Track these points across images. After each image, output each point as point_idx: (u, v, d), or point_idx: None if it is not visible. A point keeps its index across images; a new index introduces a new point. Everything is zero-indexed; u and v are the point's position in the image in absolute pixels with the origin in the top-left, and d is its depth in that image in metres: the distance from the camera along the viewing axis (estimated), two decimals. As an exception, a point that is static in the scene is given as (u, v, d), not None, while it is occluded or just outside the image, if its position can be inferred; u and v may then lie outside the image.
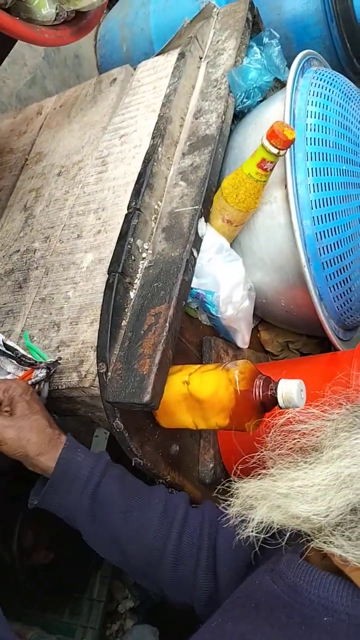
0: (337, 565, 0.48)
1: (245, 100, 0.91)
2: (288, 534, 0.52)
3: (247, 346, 0.91)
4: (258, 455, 0.61)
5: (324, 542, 0.48)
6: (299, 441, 0.56)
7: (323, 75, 0.85)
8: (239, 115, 0.96)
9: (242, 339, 0.89)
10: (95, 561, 1.30)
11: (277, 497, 0.52)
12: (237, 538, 0.60)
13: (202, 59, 0.96)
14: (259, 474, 0.58)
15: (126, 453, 0.73)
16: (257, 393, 0.68)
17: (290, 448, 0.56)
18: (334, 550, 0.46)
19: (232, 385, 0.68)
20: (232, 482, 0.64)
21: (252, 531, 0.53)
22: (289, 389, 0.66)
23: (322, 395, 0.79)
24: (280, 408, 0.68)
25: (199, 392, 0.70)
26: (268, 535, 0.53)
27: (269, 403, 0.68)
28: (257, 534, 0.53)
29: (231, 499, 0.60)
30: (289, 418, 0.59)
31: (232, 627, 0.52)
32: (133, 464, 0.73)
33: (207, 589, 0.70)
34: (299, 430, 0.57)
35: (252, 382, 0.69)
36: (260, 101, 0.94)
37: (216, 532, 0.71)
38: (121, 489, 0.71)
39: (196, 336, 0.87)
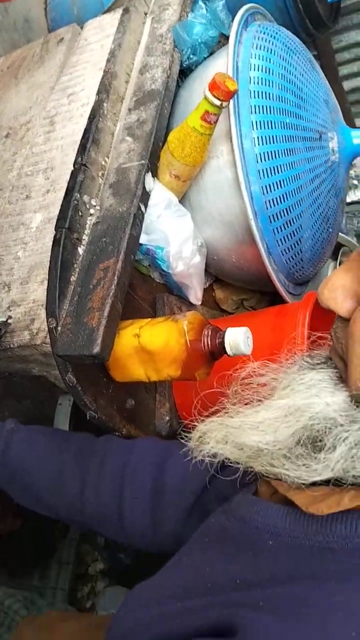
0: (282, 493, 0.50)
1: (192, 56, 0.91)
2: (241, 472, 0.54)
3: (200, 302, 0.92)
4: (217, 406, 0.63)
5: (270, 467, 0.50)
6: (257, 392, 0.58)
7: (266, 29, 0.85)
8: (186, 72, 0.96)
9: (195, 295, 0.90)
10: (63, 525, 1.32)
11: (230, 429, 0.54)
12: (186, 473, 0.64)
13: (147, 15, 0.95)
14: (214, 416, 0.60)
15: (80, 407, 0.74)
16: (205, 342, 0.70)
17: (249, 397, 0.59)
18: (278, 470, 0.49)
19: (182, 336, 0.69)
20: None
21: (205, 456, 0.55)
22: (236, 337, 0.68)
23: (275, 348, 0.82)
24: (228, 356, 0.70)
25: (150, 345, 0.71)
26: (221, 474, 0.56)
27: (217, 352, 0.70)
28: (210, 459, 0.55)
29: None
30: (249, 372, 0.61)
31: (186, 559, 0.54)
32: (88, 418, 0.74)
33: (139, 528, 0.72)
34: (258, 382, 0.59)
35: (200, 332, 0.70)
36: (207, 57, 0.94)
37: (159, 472, 0.72)
38: (29, 450, 0.73)
39: (149, 294, 0.88)
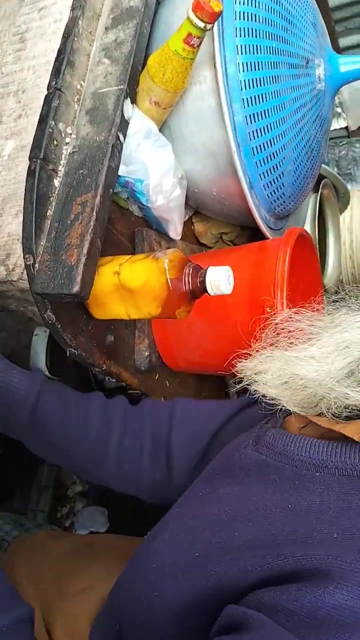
0: (322, 429, 0.53)
1: (172, -33, 0.84)
2: (278, 407, 0.56)
3: (179, 237, 0.91)
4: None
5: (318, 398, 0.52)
6: (294, 337, 0.60)
7: None
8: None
9: (175, 229, 0.88)
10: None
11: (288, 357, 0.56)
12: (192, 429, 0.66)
13: None
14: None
15: (60, 344, 0.74)
16: (186, 281, 0.69)
17: (289, 339, 0.60)
18: (332, 397, 0.51)
19: (163, 274, 0.68)
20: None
21: (264, 383, 0.57)
22: (217, 276, 0.68)
23: (254, 284, 0.82)
24: (209, 295, 0.70)
25: (130, 282, 0.70)
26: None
27: (198, 290, 0.69)
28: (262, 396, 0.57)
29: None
30: (284, 318, 0.62)
31: (226, 490, 0.57)
32: (68, 354, 0.74)
33: (154, 482, 0.76)
34: (297, 327, 0.60)
35: (181, 270, 0.69)
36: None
37: (169, 427, 0.75)
38: (58, 402, 0.74)
39: (128, 228, 0.86)
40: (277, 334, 0.61)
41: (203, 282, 0.69)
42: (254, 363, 0.60)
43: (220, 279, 0.68)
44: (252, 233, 1.06)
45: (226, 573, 0.46)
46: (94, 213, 0.67)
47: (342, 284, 1.33)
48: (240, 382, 0.61)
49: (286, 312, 0.62)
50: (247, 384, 0.60)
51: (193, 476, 0.67)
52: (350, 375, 0.51)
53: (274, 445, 0.56)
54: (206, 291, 0.69)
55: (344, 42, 2.05)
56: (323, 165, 1.18)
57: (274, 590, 0.41)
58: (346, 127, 1.35)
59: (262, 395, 0.57)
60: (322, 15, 2.01)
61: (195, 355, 0.87)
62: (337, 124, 1.32)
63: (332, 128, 1.34)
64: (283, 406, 0.56)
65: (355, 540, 0.42)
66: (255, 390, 0.58)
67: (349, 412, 0.51)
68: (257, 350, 0.62)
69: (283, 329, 0.61)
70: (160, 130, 0.82)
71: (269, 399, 0.57)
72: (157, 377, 0.92)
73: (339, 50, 2.07)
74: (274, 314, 0.63)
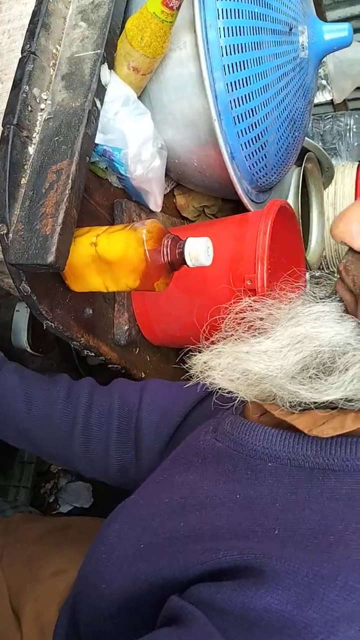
0: (278, 418, 0.52)
1: None
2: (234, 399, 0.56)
3: (159, 209, 0.89)
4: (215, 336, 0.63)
5: (271, 392, 0.51)
6: (253, 326, 0.59)
7: None
8: None
9: (155, 201, 0.87)
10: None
11: (237, 353, 0.55)
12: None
13: None
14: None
15: (36, 317, 0.72)
16: (165, 252, 0.68)
17: (247, 330, 0.59)
18: (283, 394, 0.50)
19: (141, 245, 0.67)
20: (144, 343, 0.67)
21: (214, 379, 0.56)
22: (196, 248, 0.67)
23: (236, 257, 0.80)
24: (188, 266, 0.68)
25: (108, 254, 0.69)
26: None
27: (177, 262, 0.68)
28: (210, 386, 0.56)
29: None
30: (245, 307, 0.61)
31: (180, 478, 0.56)
32: (45, 327, 0.73)
33: (121, 464, 0.75)
34: (256, 317, 0.59)
35: (160, 241, 0.68)
36: None
37: (138, 407, 0.75)
38: (19, 381, 0.73)
39: (107, 199, 0.84)
40: (237, 323, 0.60)
41: (182, 253, 0.67)
42: (206, 357, 0.59)
43: (199, 250, 0.67)
44: (235, 206, 1.05)
45: (169, 567, 0.46)
46: (70, 181, 0.65)
47: (325, 259, 1.32)
48: (193, 377, 0.61)
49: (246, 301, 0.61)
50: (201, 378, 0.59)
51: (158, 462, 0.67)
52: (304, 370, 0.51)
53: (231, 433, 0.56)
54: (185, 263, 0.68)
55: (331, 15, 2.01)
56: (307, 138, 1.16)
57: (211, 586, 0.41)
58: (331, 101, 1.33)
59: (218, 388, 0.57)
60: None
61: (175, 329, 0.86)
62: (322, 97, 1.30)
63: (317, 101, 1.32)
64: (241, 397, 0.55)
65: (295, 537, 0.41)
66: (211, 384, 0.57)
67: (304, 405, 0.51)
68: (209, 344, 0.61)
69: (243, 318, 0.60)
70: (139, 98, 0.80)
71: (225, 391, 0.57)
72: (137, 351, 0.91)
73: (325, 19, 2.03)
74: (236, 303, 0.62)
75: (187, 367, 0.63)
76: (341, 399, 0.48)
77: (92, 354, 0.82)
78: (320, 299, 0.55)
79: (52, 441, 0.75)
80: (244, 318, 0.61)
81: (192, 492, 0.52)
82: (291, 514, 0.44)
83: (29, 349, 1.00)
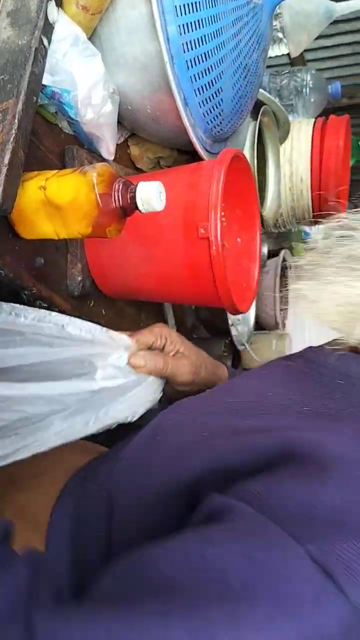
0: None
1: None
2: None
3: (112, 157, 0.87)
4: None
5: None
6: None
7: None
8: None
9: (107, 148, 0.85)
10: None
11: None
12: None
13: None
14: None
15: (-15, 263, 0.71)
16: (116, 197, 0.67)
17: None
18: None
19: (92, 190, 0.66)
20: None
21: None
22: (148, 192, 0.66)
23: (189, 204, 0.80)
24: (140, 212, 0.68)
25: (57, 198, 0.67)
26: None
27: (129, 207, 0.67)
28: None
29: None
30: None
31: (240, 380, 0.58)
32: (-5, 276, 0.71)
33: None
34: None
35: (111, 185, 0.67)
36: None
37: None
38: None
39: (57, 145, 0.81)
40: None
41: (134, 197, 0.67)
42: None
43: (151, 195, 0.66)
44: (190, 158, 1.04)
45: (234, 455, 0.46)
46: (16, 121, 0.63)
47: (281, 216, 1.33)
48: None
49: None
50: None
51: None
52: None
53: (304, 355, 0.60)
54: (137, 207, 0.67)
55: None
56: (264, 92, 1.15)
57: (267, 478, 0.41)
58: (288, 56, 1.32)
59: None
60: None
61: (130, 280, 0.85)
62: (278, 50, 1.28)
63: (273, 54, 1.30)
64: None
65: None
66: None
67: None
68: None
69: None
70: (89, 39, 0.78)
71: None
72: (91, 304, 0.91)
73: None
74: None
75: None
76: None
77: (45, 305, 0.81)
78: None
79: None
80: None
81: (257, 397, 0.54)
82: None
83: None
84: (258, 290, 1.65)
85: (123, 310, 1.01)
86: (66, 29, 0.72)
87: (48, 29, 0.69)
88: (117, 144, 0.95)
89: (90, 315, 0.90)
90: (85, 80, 0.73)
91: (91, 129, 0.79)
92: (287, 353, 1.53)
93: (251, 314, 1.51)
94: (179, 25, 0.74)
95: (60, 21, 0.71)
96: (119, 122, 0.92)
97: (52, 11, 0.70)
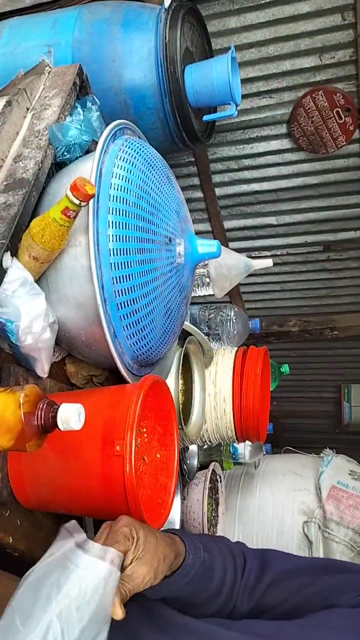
0: None
1: (65, 154, 1.01)
2: None
3: (46, 375, 0.97)
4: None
5: None
6: None
7: (132, 144, 0.98)
8: (62, 165, 1.06)
9: (42, 368, 0.95)
10: None
11: None
12: None
13: (29, 110, 1.05)
14: None
15: None
16: (39, 415, 0.74)
17: None
18: None
19: (18, 408, 0.73)
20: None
21: None
22: (68, 413, 0.74)
23: (109, 423, 0.87)
24: (60, 430, 0.75)
25: (-14, 413, 0.74)
26: None
27: (49, 425, 0.74)
28: None
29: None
30: None
31: None
32: None
33: None
34: None
35: (36, 405, 0.75)
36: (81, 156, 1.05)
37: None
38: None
39: (-3, 362, 0.91)
40: None
41: (55, 417, 0.74)
42: None
43: (70, 415, 0.74)
44: (120, 377, 1.15)
45: None
46: None
47: (207, 432, 1.42)
48: None
49: None
50: None
51: None
52: None
53: None
54: (57, 426, 0.74)
55: (227, 224, 2.41)
56: (190, 325, 1.33)
57: None
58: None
59: None
60: (209, 202, 2.34)
61: (47, 492, 0.89)
62: (207, 292, 1.52)
63: (203, 294, 1.53)
64: None
65: None
66: None
67: None
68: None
69: None
70: (38, 280, 0.93)
71: None
72: (7, 513, 0.92)
73: (223, 230, 2.42)
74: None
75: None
76: None
77: None
78: None
79: None
80: None
81: None
82: None
83: None
84: (185, 501, 1.67)
85: (41, 521, 1.01)
86: (18, 272, 0.87)
87: (1, 272, 0.84)
88: (54, 362, 1.06)
89: (4, 526, 0.90)
90: (28, 313, 0.86)
91: (29, 351, 0.90)
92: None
93: (176, 521, 1.51)
94: (112, 277, 0.90)
95: (14, 267, 0.87)
96: (57, 344, 1.05)
97: (7, 260, 0.86)
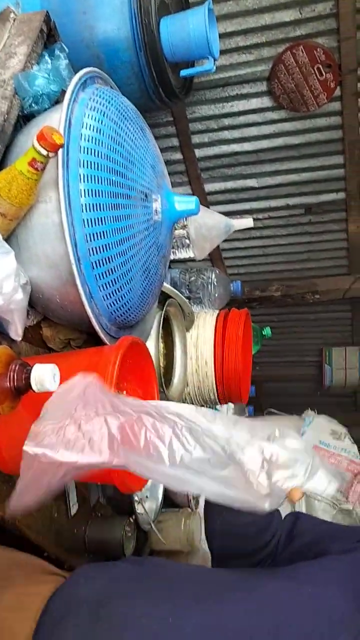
0: None
1: (33, 105, 0.96)
2: None
3: (20, 338, 0.94)
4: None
5: None
6: None
7: (103, 93, 0.93)
8: (30, 118, 1.00)
9: (15, 330, 0.91)
10: None
11: None
12: None
13: (-7, 59, 0.99)
14: None
15: None
16: (11, 377, 0.72)
17: None
18: None
19: (-11, 370, 0.71)
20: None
21: None
22: (42, 373, 0.71)
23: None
24: (34, 391, 0.72)
25: None
26: None
27: (23, 386, 0.72)
28: None
29: None
30: None
31: None
32: None
33: None
34: None
35: (7, 366, 0.72)
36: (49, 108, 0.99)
37: None
38: None
39: (-33, 326, 0.88)
40: None
41: (28, 378, 0.71)
42: None
43: (45, 376, 0.71)
44: (99, 340, 1.12)
45: None
46: None
47: (189, 395, 1.41)
48: None
49: None
50: None
51: None
52: None
53: None
54: (31, 387, 0.72)
55: (208, 187, 2.35)
56: (170, 287, 1.30)
57: None
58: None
59: None
60: (189, 164, 2.29)
61: (25, 456, 0.86)
62: (187, 254, 1.48)
63: (182, 256, 1.50)
64: None
65: None
66: None
67: None
68: None
69: None
70: (8, 238, 0.89)
71: None
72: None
73: (204, 193, 2.37)
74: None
75: None
76: None
77: None
78: None
79: None
80: None
81: None
82: None
83: None
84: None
85: (20, 486, 1.00)
86: (-15, 230, 0.83)
87: (-33, 230, 0.80)
88: (30, 326, 1.03)
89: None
90: (-3, 273, 0.82)
91: (1, 313, 0.86)
92: (198, 534, 1.51)
93: (160, 488, 1.51)
94: (86, 234, 0.86)
95: (-19, 224, 0.82)
96: (32, 307, 1.01)
97: (-26, 218, 0.81)
